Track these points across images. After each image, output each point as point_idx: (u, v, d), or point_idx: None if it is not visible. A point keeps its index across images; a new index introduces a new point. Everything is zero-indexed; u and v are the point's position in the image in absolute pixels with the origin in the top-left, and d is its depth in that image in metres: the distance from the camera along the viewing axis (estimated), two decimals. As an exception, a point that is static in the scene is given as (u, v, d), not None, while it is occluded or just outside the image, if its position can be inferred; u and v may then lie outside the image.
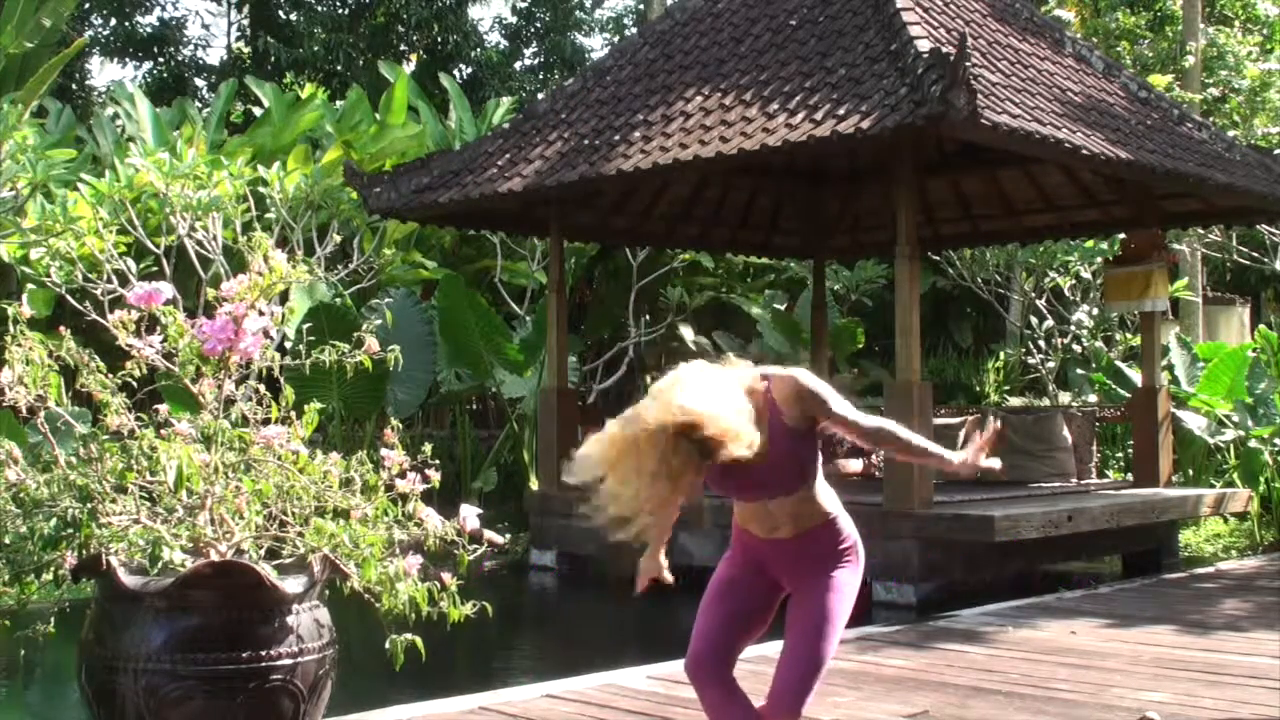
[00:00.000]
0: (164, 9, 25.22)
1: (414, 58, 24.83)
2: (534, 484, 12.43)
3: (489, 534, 3.90)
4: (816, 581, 3.44)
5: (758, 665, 5.67)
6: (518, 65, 26.02)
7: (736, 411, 3.12)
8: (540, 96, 19.78)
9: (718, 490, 3.38)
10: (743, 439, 3.09)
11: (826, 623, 3.39)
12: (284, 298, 4.44)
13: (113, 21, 24.61)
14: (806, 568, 3.47)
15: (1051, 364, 15.83)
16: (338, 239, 12.62)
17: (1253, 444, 11.83)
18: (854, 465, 12.14)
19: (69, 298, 9.94)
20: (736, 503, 3.51)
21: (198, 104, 20.74)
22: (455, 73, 23.24)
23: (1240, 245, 17.10)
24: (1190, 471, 12.45)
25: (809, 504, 3.43)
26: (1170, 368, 12.89)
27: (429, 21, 24.02)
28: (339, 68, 23.10)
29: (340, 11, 24.50)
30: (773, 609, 3.57)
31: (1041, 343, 16.04)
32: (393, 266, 14.27)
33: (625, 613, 10.09)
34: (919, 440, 3.49)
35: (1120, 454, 13.00)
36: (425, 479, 3.94)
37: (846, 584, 3.46)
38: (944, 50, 8.18)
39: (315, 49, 22.96)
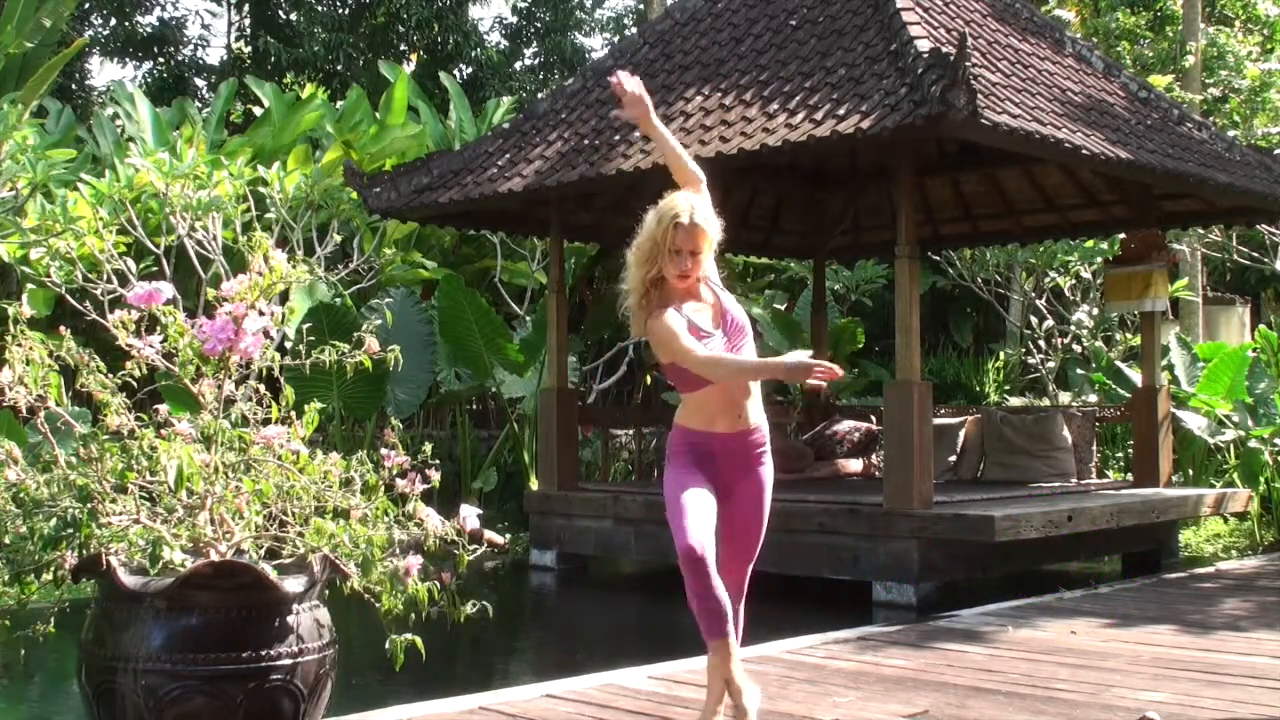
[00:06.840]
0: (164, 9, 25.21)
1: (414, 57, 24.83)
2: (534, 484, 12.43)
3: (489, 534, 3.90)
4: (754, 476, 4.10)
5: (758, 665, 5.68)
6: (518, 65, 26.01)
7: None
8: (540, 96, 19.78)
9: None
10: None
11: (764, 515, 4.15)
12: (284, 298, 4.44)
13: (113, 21, 24.60)
14: (750, 461, 4.08)
15: (1051, 364, 15.83)
16: (338, 239, 12.61)
17: (1253, 444, 11.82)
18: (854, 465, 12.11)
19: (69, 298, 9.92)
20: (701, 396, 4.00)
21: (198, 104, 20.73)
22: (455, 73, 23.23)
23: (1240, 245, 17.10)
24: (1190, 471, 12.45)
25: (756, 396, 4.06)
26: (1170, 368, 12.88)
27: (429, 21, 24.02)
28: (339, 68, 23.09)
29: (340, 11, 24.49)
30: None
31: (1041, 343, 16.04)
32: (393, 266, 14.27)
33: (625, 613, 10.10)
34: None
35: (1120, 454, 12.99)
36: (425, 479, 3.94)
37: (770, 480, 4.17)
38: (944, 50, 8.19)
39: (315, 49, 22.95)
